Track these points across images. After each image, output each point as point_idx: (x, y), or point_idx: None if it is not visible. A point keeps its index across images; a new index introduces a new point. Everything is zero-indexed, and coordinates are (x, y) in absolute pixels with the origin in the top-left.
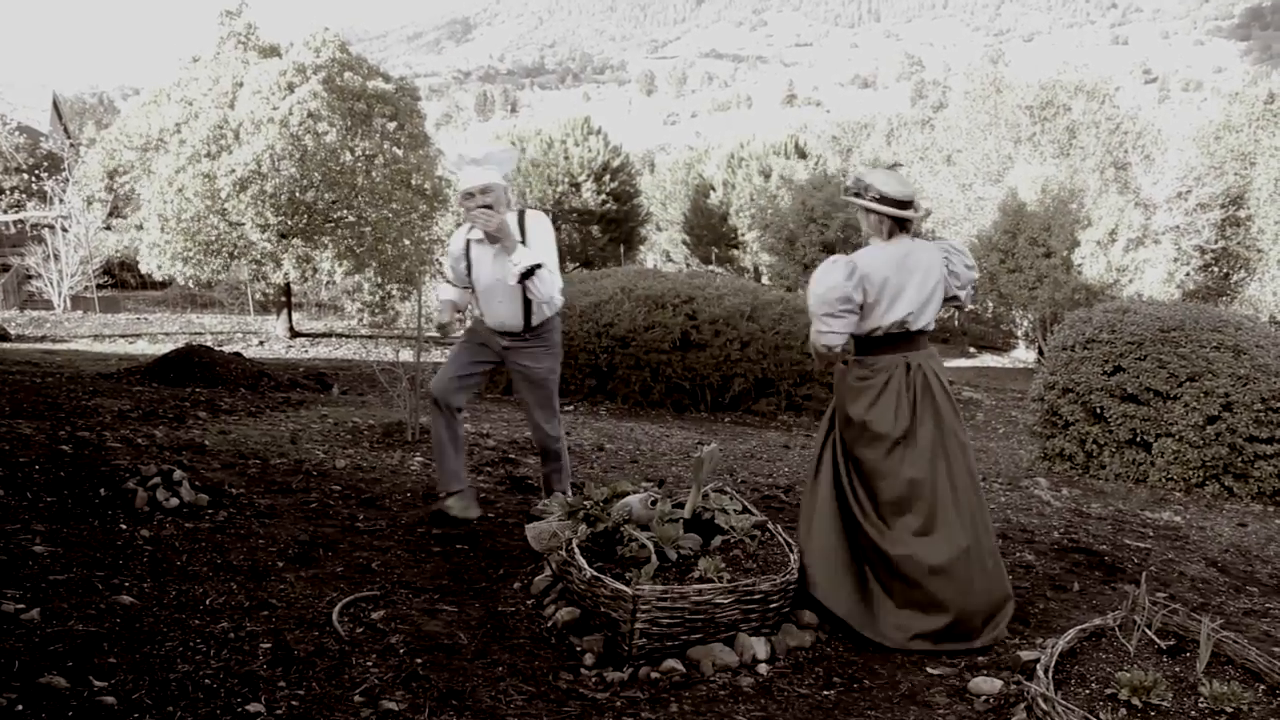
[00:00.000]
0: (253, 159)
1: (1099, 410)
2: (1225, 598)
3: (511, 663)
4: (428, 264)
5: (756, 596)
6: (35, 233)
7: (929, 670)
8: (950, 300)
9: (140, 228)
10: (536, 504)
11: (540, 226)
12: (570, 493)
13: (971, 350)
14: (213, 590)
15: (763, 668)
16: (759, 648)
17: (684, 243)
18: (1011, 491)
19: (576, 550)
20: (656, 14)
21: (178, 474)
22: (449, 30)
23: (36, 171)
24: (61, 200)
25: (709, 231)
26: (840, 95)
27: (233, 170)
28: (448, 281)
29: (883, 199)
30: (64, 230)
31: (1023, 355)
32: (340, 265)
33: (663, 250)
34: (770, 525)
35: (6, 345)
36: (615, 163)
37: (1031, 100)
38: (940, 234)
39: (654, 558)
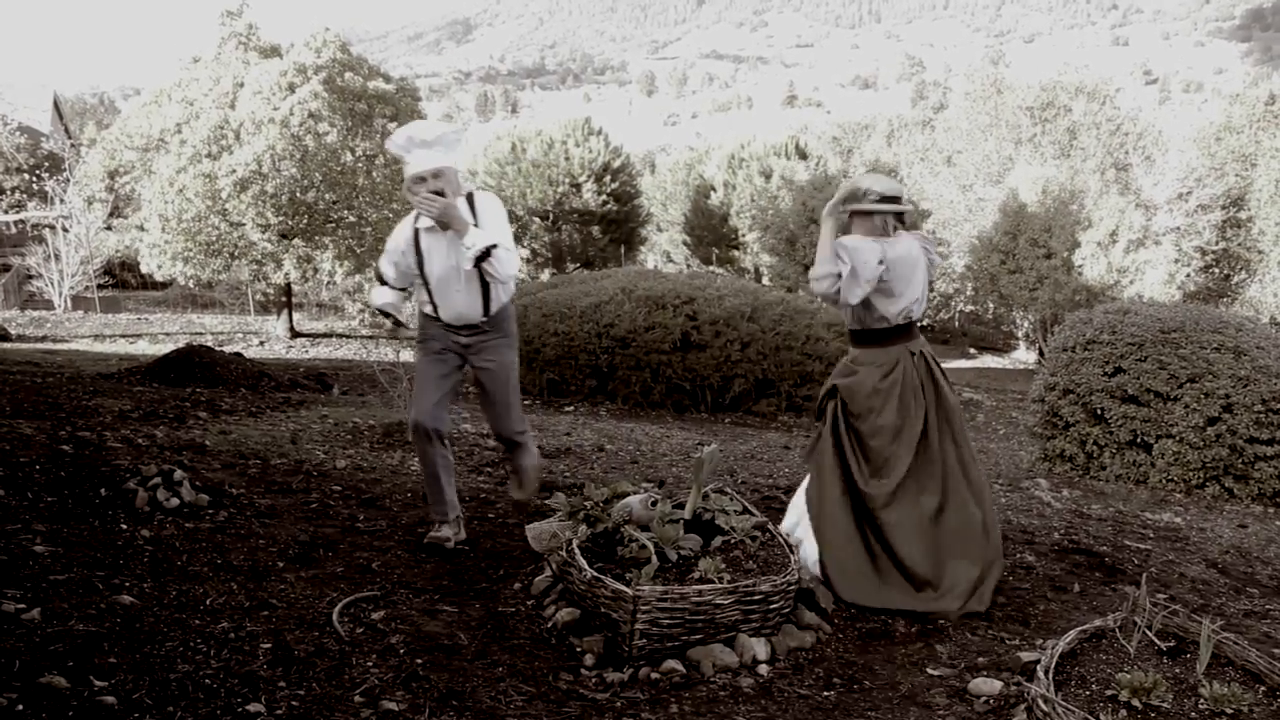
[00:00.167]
0: (253, 159)
1: (1099, 411)
2: (1225, 599)
3: (511, 663)
4: None
5: (757, 597)
6: (36, 233)
7: (929, 671)
8: None
9: (141, 228)
10: (435, 522)
11: (491, 206)
12: (528, 484)
13: (972, 351)
14: (213, 590)
15: (763, 668)
16: (759, 648)
17: (684, 243)
18: (1012, 492)
19: (577, 551)
20: (657, 15)
21: (178, 474)
22: (449, 31)
23: (37, 171)
24: (62, 200)
25: (709, 232)
26: (841, 96)
27: (233, 170)
28: (383, 284)
29: (884, 199)
30: (65, 230)
31: (1023, 356)
32: (341, 265)
33: (663, 251)
34: (771, 526)
35: (7, 345)
36: (616, 163)
37: (1032, 101)
38: (941, 235)
39: (654, 558)
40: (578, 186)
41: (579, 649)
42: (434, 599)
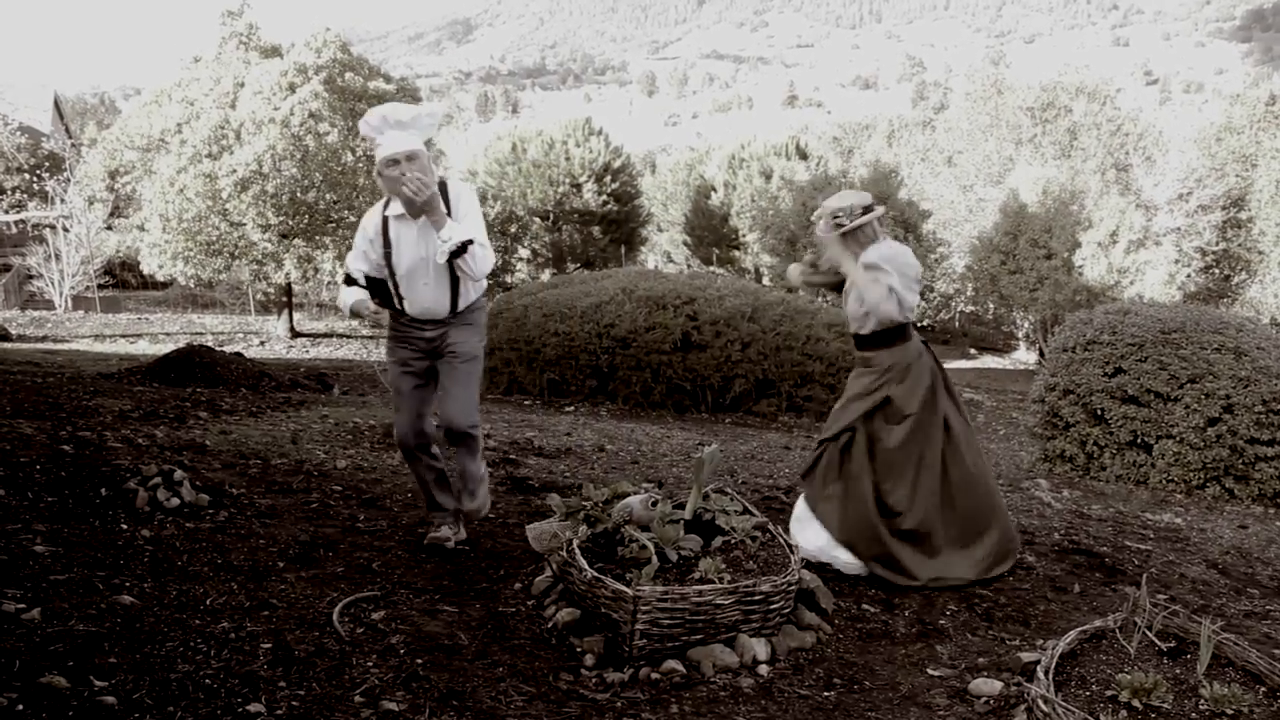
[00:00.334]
0: (254, 159)
1: (1100, 412)
2: (1226, 600)
3: (512, 663)
4: None
5: (757, 598)
6: (36, 233)
7: (929, 672)
8: None
9: (141, 228)
10: (434, 523)
11: (466, 197)
12: (479, 492)
13: (972, 351)
14: (213, 590)
15: (763, 669)
16: (759, 649)
17: (685, 244)
18: (1012, 493)
19: (577, 551)
20: (657, 15)
21: (178, 474)
22: (450, 31)
23: (38, 171)
24: (63, 200)
25: (710, 233)
26: (841, 96)
27: (234, 170)
28: (350, 281)
29: (867, 209)
30: (65, 230)
31: (1023, 357)
32: (342, 266)
33: (664, 251)
34: (771, 526)
35: (8, 345)
36: (616, 164)
37: (1033, 102)
38: (941, 235)
39: (654, 559)
40: (578, 187)
41: (579, 649)
42: (434, 599)
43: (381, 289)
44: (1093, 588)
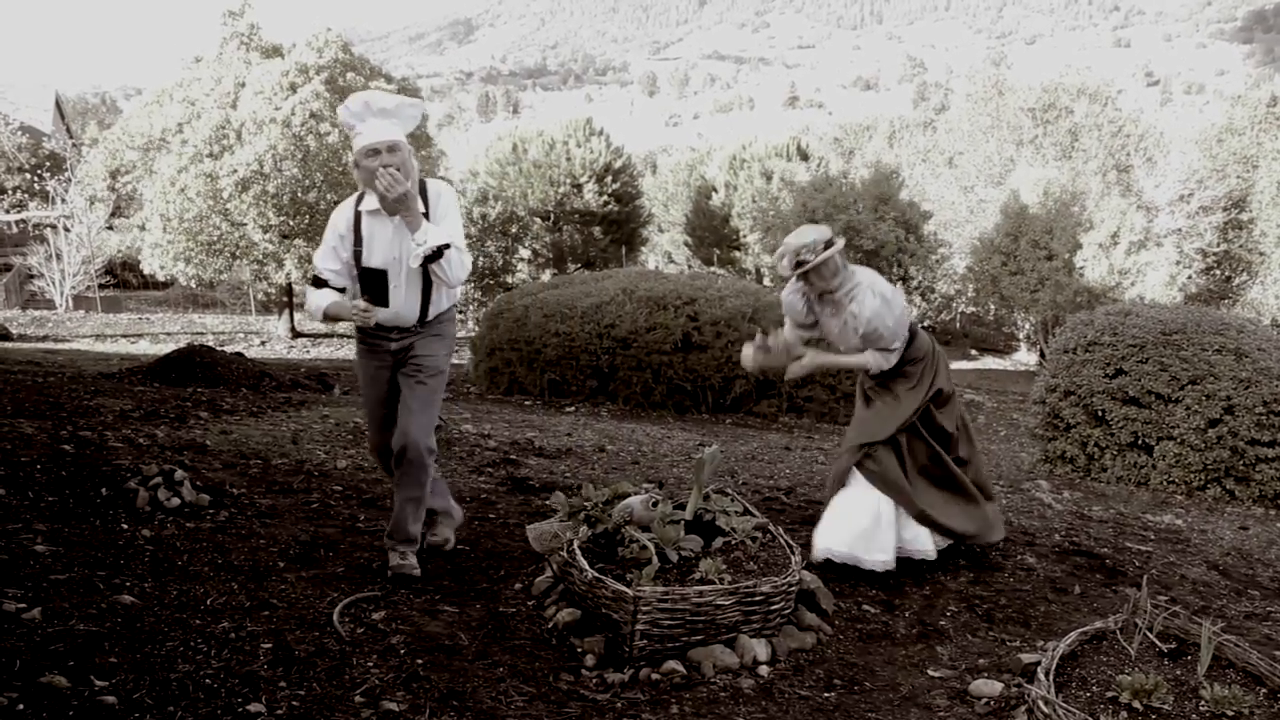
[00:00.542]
0: (255, 159)
1: (1100, 413)
2: (1226, 601)
3: (512, 664)
4: None
5: (758, 598)
6: (37, 232)
7: (930, 673)
8: None
9: (142, 228)
10: (395, 553)
11: (446, 198)
12: (439, 525)
13: (973, 353)
14: (214, 590)
15: (763, 669)
16: (760, 649)
17: (686, 244)
18: (1013, 494)
19: (578, 551)
20: (659, 15)
21: (179, 474)
22: (451, 31)
23: (39, 171)
24: (64, 200)
25: (711, 233)
26: (842, 97)
27: (235, 170)
28: (319, 282)
29: (828, 244)
30: (66, 230)
31: (1024, 358)
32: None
33: (664, 252)
34: (771, 527)
35: (9, 345)
36: (617, 164)
37: (1034, 103)
38: (942, 236)
39: (655, 559)
40: (579, 187)
41: (580, 649)
42: (435, 599)
43: (376, 285)
44: (1093, 589)
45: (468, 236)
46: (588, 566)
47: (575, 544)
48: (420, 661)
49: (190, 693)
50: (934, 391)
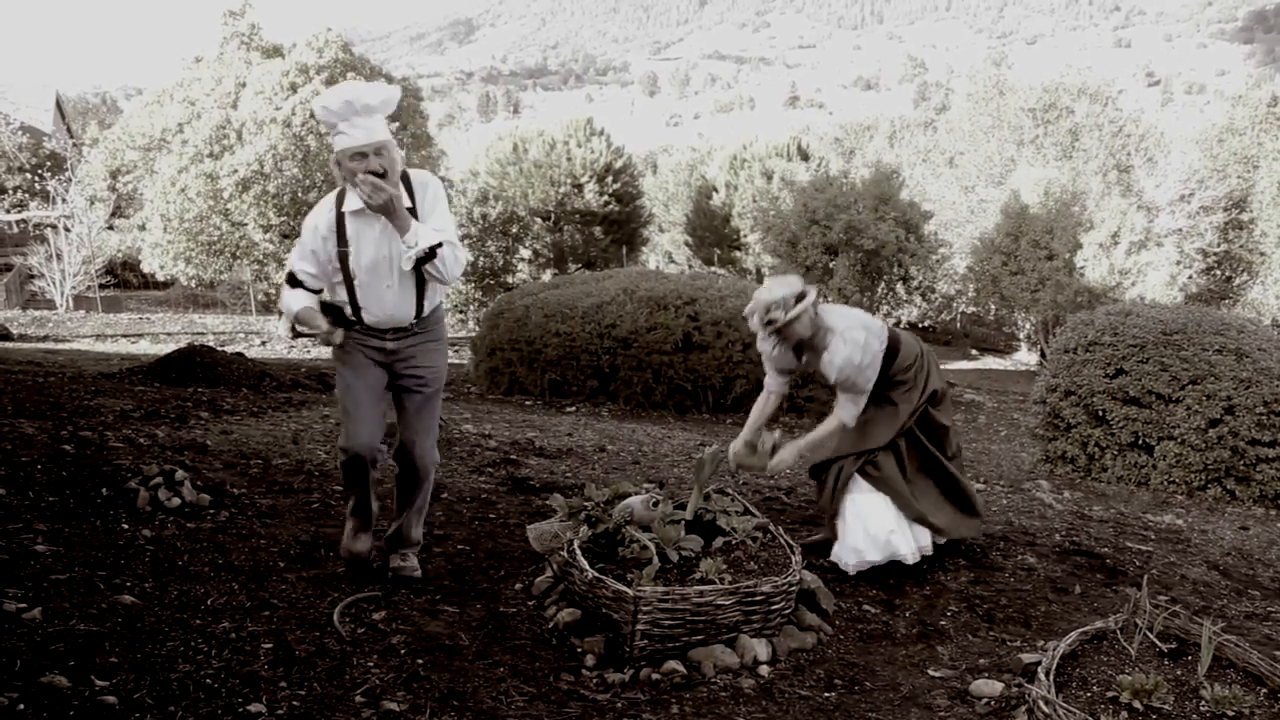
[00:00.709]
0: (255, 159)
1: (1101, 413)
2: (1227, 601)
3: (513, 664)
4: None
5: (758, 598)
6: (38, 232)
7: (930, 673)
8: None
9: (143, 228)
10: (396, 554)
11: (432, 189)
12: (411, 555)
13: (973, 352)
14: (214, 590)
15: (764, 669)
16: (760, 649)
17: (686, 244)
18: (1013, 494)
19: (578, 551)
20: (659, 15)
21: (180, 474)
22: (452, 31)
23: (39, 171)
24: (64, 200)
25: (711, 233)
26: (843, 97)
27: (235, 170)
28: (295, 283)
29: (800, 297)
30: (66, 230)
31: (1025, 358)
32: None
33: (665, 252)
34: (772, 527)
35: (9, 345)
36: (618, 164)
37: (1034, 103)
38: (943, 236)
39: (655, 559)
40: (580, 187)
41: (580, 650)
42: (435, 599)
43: (336, 310)
44: (1094, 589)
45: (468, 237)
46: (588, 566)
47: (575, 544)
48: (421, 661)
49: (191, 693)
50: (929, 394)
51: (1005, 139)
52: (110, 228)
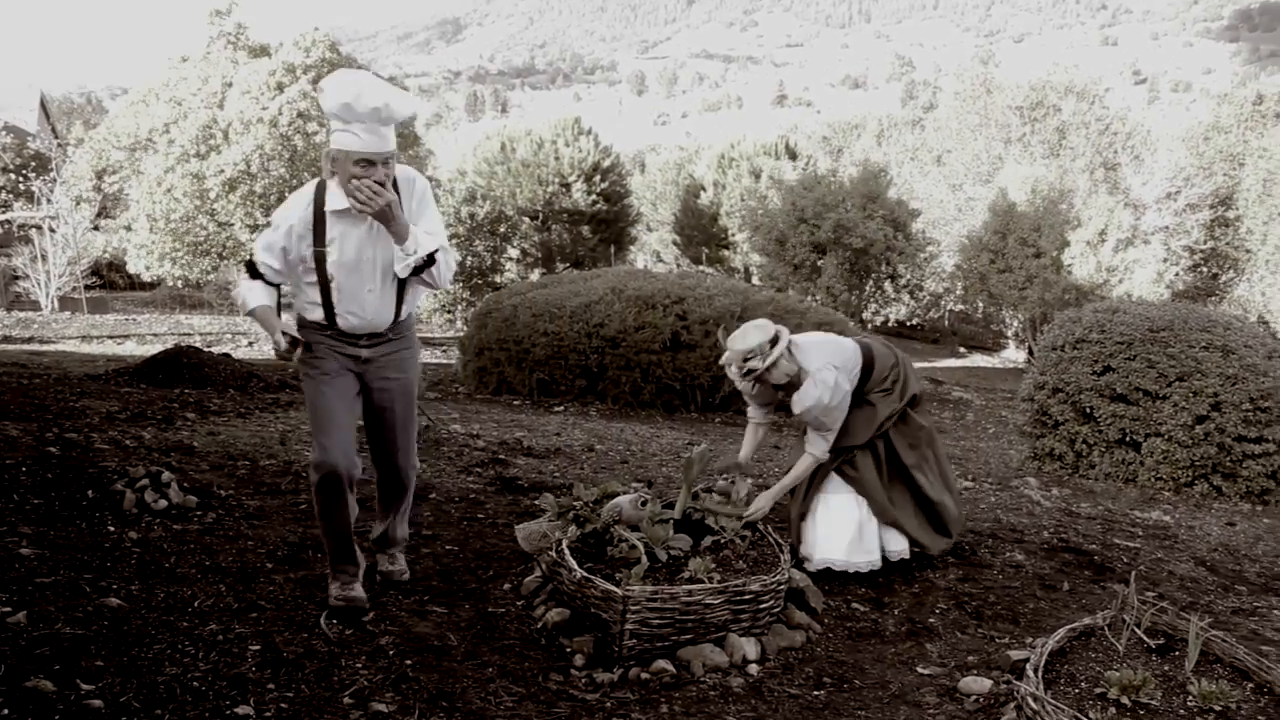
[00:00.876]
0: (242, 159)
1: (1088, 410)
2: (1214, 597)
3: (501, 664)
4: None
5: (747, 597)
6: (22, 233)
7: (919, 670)
8: None
9: (128, 228)
10: (346, 577)
11: (419, 187)
12: (400, 556)
13: (961, 350)
14: (201, 592)
15: (753, 668)
16: (749, 648)
17: (674, 243)
18: (1001, 491)
19: (566, 551)
20: (647, 14)
21: (166, 476)
22: (439, 30)
23: (24, 171)
24: (49, 200)
25: (699, 232)
26: (831, 96)
27: (221, 170)
28: (255, 276)
29: (774, 341)
30: (51, 231)
31: (1012, 355)
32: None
33: (653, 251)
34: (760, 526)
35: None
36: (606, 163)
37: (1021, 101)
38: (930, 234)
39: (644, 558)
40: (567, 186)
41: (569, 649)
42: (423, 600)
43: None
44: (1082, 585)
45: (456, 237)
46: (576, 566)
47: (564, 543)
48: (409, 662)
49: (178, 695)
50: (909, 398)
51: (993, 137)
52: (96, 228)
